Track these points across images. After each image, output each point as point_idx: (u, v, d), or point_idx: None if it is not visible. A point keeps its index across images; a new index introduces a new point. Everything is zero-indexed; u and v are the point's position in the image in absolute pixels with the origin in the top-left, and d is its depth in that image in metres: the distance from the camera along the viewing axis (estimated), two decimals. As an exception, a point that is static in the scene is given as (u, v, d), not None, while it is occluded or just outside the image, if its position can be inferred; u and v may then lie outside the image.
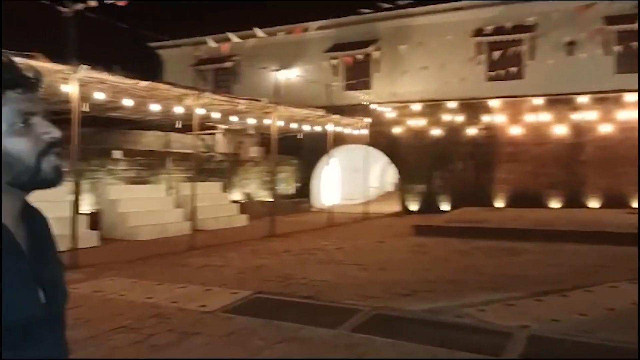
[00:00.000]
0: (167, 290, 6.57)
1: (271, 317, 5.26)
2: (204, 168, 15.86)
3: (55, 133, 1.02)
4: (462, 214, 14.51)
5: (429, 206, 17.83)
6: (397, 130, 18.66)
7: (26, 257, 1.00)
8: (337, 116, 15.48)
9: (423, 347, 4.43)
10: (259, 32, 11.17)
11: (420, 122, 18.31)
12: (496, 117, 17.22)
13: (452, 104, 17.66)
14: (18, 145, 0.97)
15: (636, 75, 14.27)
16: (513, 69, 16.37)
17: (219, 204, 14.55)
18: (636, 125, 14.90)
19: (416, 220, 14.25)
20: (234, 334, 4.78)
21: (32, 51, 7.53)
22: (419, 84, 17.45)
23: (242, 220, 14.54)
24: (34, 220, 1.08)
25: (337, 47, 19.28)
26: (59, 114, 12.60)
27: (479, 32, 17.28)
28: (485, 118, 17.32)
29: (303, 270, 7.90)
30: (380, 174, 26.35)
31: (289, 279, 7.26)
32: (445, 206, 17.73)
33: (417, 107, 18.30)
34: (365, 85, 18.54)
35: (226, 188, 16.67)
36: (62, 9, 7.81)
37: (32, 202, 1.09)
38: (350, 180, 23.55)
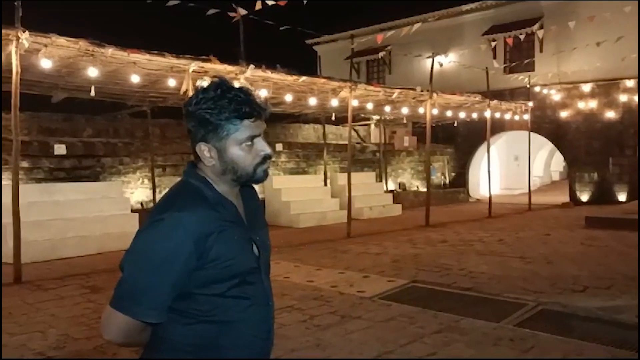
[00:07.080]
0: (327, 275, 6.89)
1: (428, 307, 5.25)
2: (357, 158, 16.22)
3: (268, 150, 1.42)
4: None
5: (603, 196, 16.21)
6: (563, 113, 17.21)
7: (245, 224, 1.46)
8: (495, 101, 14.74)
9: (597, 346, 4.08)
10: (414, 26, 10.99)
11: (591, 104, 16.67)
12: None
13: (630, 83, 15.78)
14: (242, 158, 1.39)
15: None
16: None
17: (373, 193, 14.76)
18: None
19: (587, 211, 13.03)
20: (393, 320, 4.86)
21: (208, 55, 8.38)
22: (590, 61, 15.82)
23: (396, 210, 14.61)
24: (249, 197, 1.54)
25: (496, 29, 18.31)
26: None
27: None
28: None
29: (460, 261, 7.72)
30: (544, 161, 24.57)
31: (445, 269, 7.14)
32: (621, 196, 15.96)
33: (587, 87, 16.68)
34: (528, 67, 17.30)
35: (380, 178, 16.86)
36: (231, 14, 8.51)
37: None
38: (510, 169, 22.32)
